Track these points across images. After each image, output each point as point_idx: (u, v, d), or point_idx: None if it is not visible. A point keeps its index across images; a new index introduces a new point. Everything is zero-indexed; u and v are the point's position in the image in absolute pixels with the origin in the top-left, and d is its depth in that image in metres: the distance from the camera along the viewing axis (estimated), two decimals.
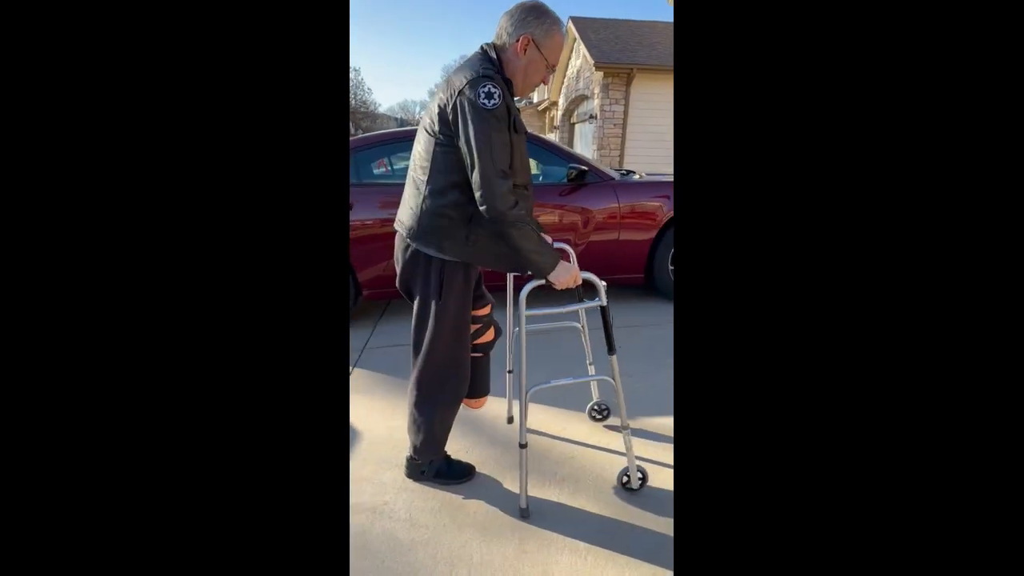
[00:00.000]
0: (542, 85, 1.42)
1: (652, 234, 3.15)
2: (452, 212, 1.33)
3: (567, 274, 1.38)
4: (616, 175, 3.30)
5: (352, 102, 28.00)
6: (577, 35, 9.98)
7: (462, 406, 1.71)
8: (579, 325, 1.92)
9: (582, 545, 1.35)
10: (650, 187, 3.19)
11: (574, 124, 12.24)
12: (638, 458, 1.67)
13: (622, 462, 1.65)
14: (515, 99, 1.38)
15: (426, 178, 1.34)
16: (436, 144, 1.32)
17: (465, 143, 1.25)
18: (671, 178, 3.38)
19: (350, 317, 3.03)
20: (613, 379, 1.49)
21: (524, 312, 1.40)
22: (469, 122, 1.23)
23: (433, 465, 1.59)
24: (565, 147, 3.42)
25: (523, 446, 1.43)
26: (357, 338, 2.87)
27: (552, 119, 14.25)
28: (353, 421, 1.99)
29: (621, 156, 9.31)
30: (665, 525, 1.42)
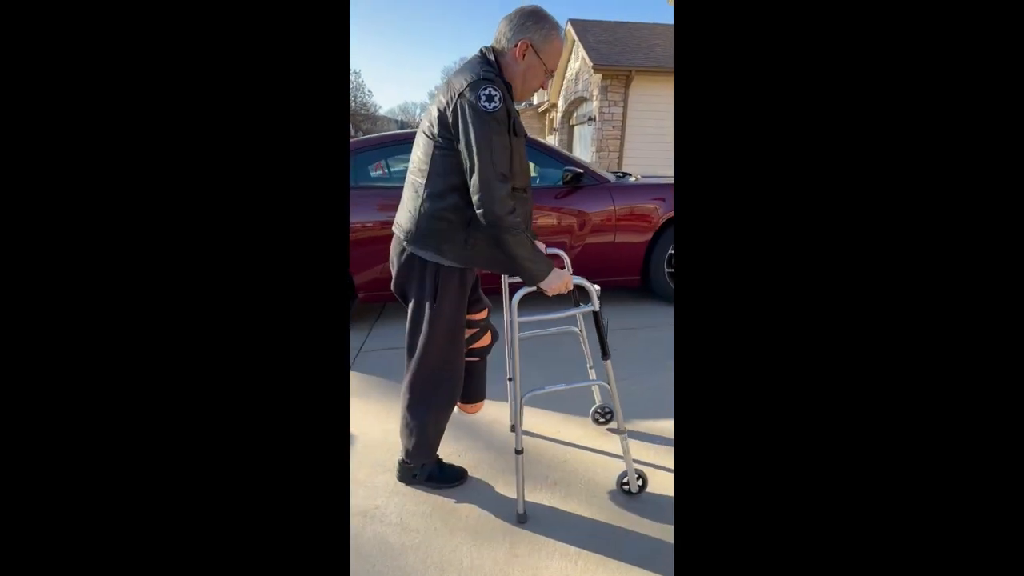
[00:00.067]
0: (541, 88, 1.42)
1: (648, 236, 3.15)
2: (451, 215, 1.33)
3: (558, 280, 1.38)
4: (612, 177, 3.30)
5: (352, 104, 28.03)
6: (576, 37, 9.99)
7: (458, 411, 1.71)
8: (577, 330, 1.92)
9: (572, 549, 1.34)
10: (646, 189, 3.19)
11: (573, 126, 12.25)
12: (637, 462, 1.67)
13: (619, 465, 1.65)
14: (514, 103, 1.38)
15: (424, 181, 1.34)
16: (435, 147, 1.32)
17: (465, 146, 1.25)
18: (667, 180, 3.38)
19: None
20: (608, 383, 1.49)
21: (516, 318, 1.40)
22: (469, 124, 1.23)
23: (425, 469, 1.59)
24: (561, 150, 3.42)
25: (519, 452, 1.43)
26: (352, 341, 2.87)
27: (552, 121, 14.26)
28: None
29: (620, 158, 9.32)
30: (659, 529, 1.41)
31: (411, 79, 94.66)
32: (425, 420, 1.51)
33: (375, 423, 1.99)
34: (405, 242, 1.40)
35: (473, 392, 1.69)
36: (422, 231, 1.35)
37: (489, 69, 1.30)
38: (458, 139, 1.26)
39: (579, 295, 1.70)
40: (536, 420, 1.99)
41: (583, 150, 10.89)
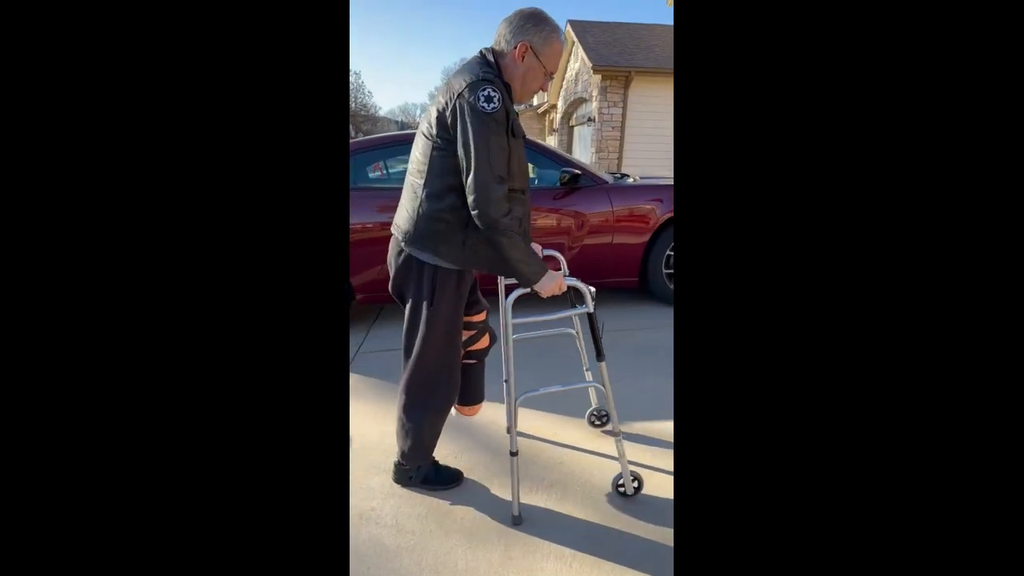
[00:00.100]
0: (541, 91, 1.42)
1: (646, 238, 3.15)
2: (448, 216, 1.33)
3: (551, 282, 1.38)
4: (610, 178, 3.30)
5: (352, 105, 28.04)
6: (575, 38, 10.00)
7: (455, 413, 1.71)
8: (573, 331, 1.92)
9: (567, 551, 1.34)
10: (643, 190, 3.19)
11: (573, 127, 12.26)
12: (633, 463, 1.67)
13: (615, 467, 1.65)
14: (514, 104, 1.38)
15: (423, 182, 1.34)
16: (434, 148, 1.32)
17: (463, 146, 1.25)
18: (664, 181, 3.38)
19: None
20: (603, 385, 1.49)
21: (510, 320, 1.40)
22: (468, 125, 1.23)
23: (421, 471, 1.59)
24: (558, 151, 3.43)
25: (514, 454, 1.43)
26: (350, 342, 2.87)
27: (551, 122, 14.27)
28: None
29: (619, 159, 9.32)
30: (654, 531, 1.41)
31: (411, 79, 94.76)
32: (421, 422, 1.51)
33: (372, 425, 1.99)
34: (403, 243, 1.40)
35: (471, 394, 1.69)
36: (420, 232, 1.35)
37: (488, 70, 1.29)
38: (456, 140, 1.26)
39: (575, 296, 1.70)
40: (533, 422, 1.99)
41: (583, 151, 10.90)
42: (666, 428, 1.93)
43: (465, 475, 1.66)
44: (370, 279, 2.91)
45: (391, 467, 1.63)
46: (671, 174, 5.71)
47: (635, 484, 1.54)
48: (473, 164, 1.24)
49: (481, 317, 1.62)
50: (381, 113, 38.39)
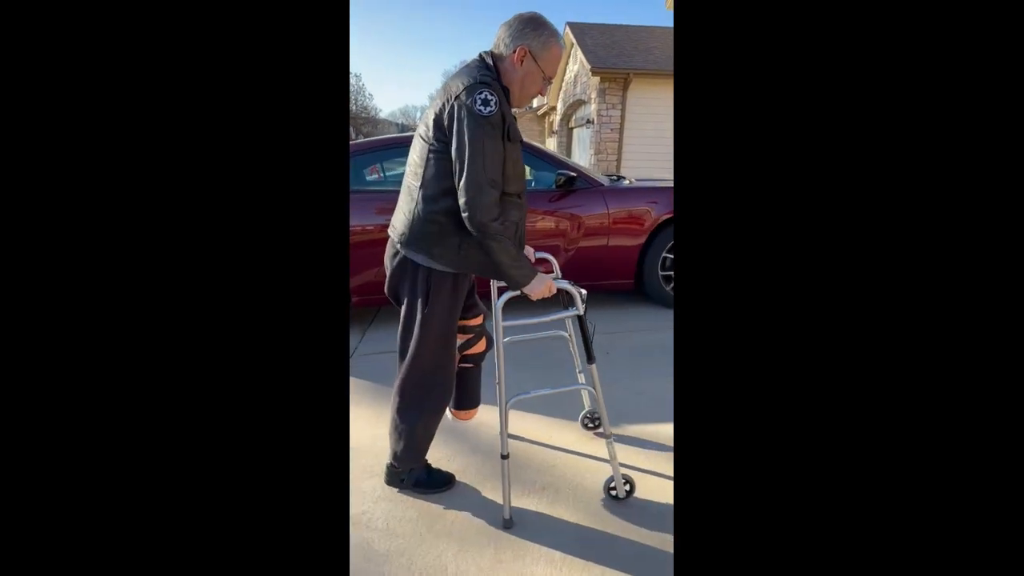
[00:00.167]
0: (539, 95, 1.42)
1: (641, 240, 3.15)
2: (443, 218, 1.33)
3: (541, 285, 1.38)
4: (606, 181, 3.30)
5: (353, 107, 28.09)
6: (574, 40, 10.01)
7: (451, 418, 1.71)
8: (566, 334, 1.91)
9: (558, 555, 1.34)
10: (639, 193, 3.19)
11: (572, 129, 12.27)
12: (627, 467, 1.66)
13: (607, 470, 1.65)
14: (512, 108, 1.38)
15: (419, 184, 1.34)
16: (430, 150, 1.32)
17: (457, 148, 1.25)
18: (660, 183, 3.38)
19: None
20: (594, 388, 1.49)
21: (500, 323, 1.40)
22: (464, 128, 1.23)
23: (413, 474, 1.59)
24: (554, 153, 3.43)
25: (504, 457, 1.42)
26: None
27: (551, 124, 14.29)
28: None
29: (618, 161, 9.32)
30: (645, 535, 1.41)
31: (411, 81, 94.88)
32: (415, 424, 1.50)
33: (365, 427, 1.98)
34: (399, 245, 1.40)
35: (467, 399, 1.68)
36: (415, 234, 1.35)
37: (487, 73, 1.30)
38: (451, 141, 1.26)
39: (566, 299, 1.70)
40: (526, 424, 1.98)
41: (582, 153, 10.90)
42: (660, 431, 1.92)
43: (457, 478, 1.66)
44: (366, 282, 2.91)
45: (383, 470, 1.63)
46: (670, 176, 5.72)
47: (627, 487, 1.54)
48: (466, 167, 1.24)
49: (478, 321, 1.62)
50: (382, 115, 38.47)
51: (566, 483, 1.64)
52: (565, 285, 1.42)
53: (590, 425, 1.95)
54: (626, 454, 1.76)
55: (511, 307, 1.40)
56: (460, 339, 1.58)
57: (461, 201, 1.26)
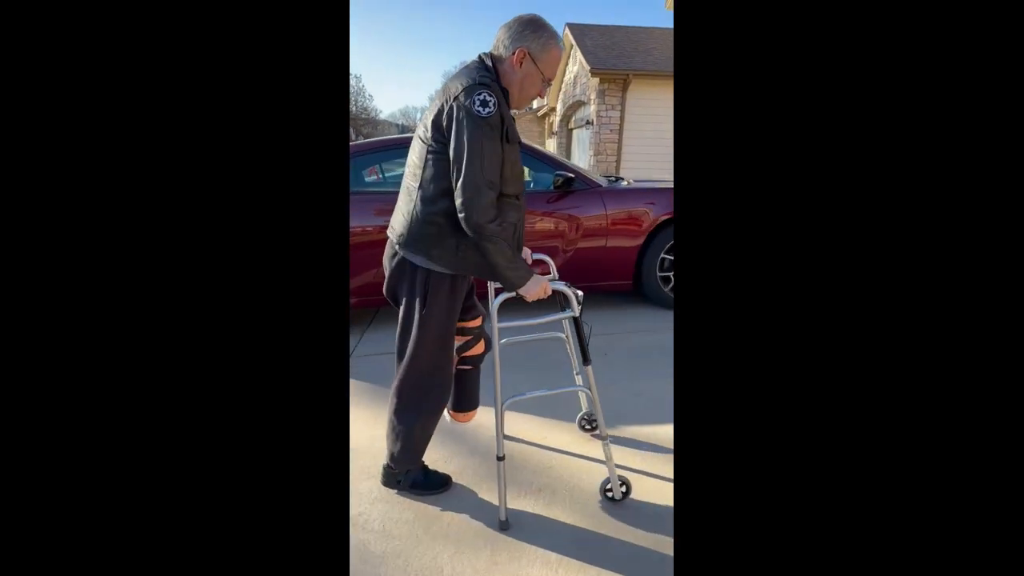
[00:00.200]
0: (539, 97, 1.42)
1: (640, 241, 3.15)
2: (441, 220, 1.33)
3: (536, 287, 1.38)
4: (604, 182, 3.30)
5: (353, 109, 28.11)
6: (573, 41, 10.02)
7: (450, 420, 1.71)
8: (563, 335, 1.91)
9: (554, 556, 1.34)
10: (637, 194, 3.20)
11: (572, 130, 12.27)
12: (624, 468, 1.66)
13: (604, 471, 1.65)
14: (511, 110, 1.38)
15: (418, 185, 1.34)
16: (429, 151, 1.32)
17: (455, 149, 1.25)
18: (657, 184, 3.38)
19: None
20: (590, 389, 1.49)
21: (496, 324, 1.40)
22: (462, 128, 1.23)
23: (410, 475, 1.59)
24: (552, 154, 3.43)
25: (500, 459, 1.42)
26: None
27: (551, 125, 14.30)
28: None
29: (618, 162, 9.32)
30: (641, 536, 1.41)
31: (412, 82, 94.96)
32: (413, 425, 1.50)
33: (363, 428, 1.98)
34: (397, 246, 1.40)
35: (466, 401, 1.68)
36: (413, 235, 1.36)
37: (486, 74, 1.30)
38: (449, 142, 1.27)
39: (563, 300, 1.70)
40: (523, 426, 1.99)
41: (581, 154, 10.91)
42: (658, 432, 1.93)
43: (454, 480, 1.66)
44: (364, 283, 2.92)
45: (380, 471, 1.63)
46: (670, 177, 5.72)
47: (623, 489, 1.54)
48: (464, 168, 1.24)
49: (477, 323, 1.61)
50: (382, 116, 38.49)
51: (563, 484, 1.64)
52: (561, 287, 1.42)
53: (587, 427, 1.95)
54: (623, 455, 1.76)
55: (508, 308, 1.40)
56: (459, 341, 1.58)
57: (458, 202, 1.27)
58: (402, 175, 1.44)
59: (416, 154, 1.37)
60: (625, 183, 3.45)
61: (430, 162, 1.32)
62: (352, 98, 28.54)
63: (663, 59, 9.34)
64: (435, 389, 1.49)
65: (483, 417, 2.01)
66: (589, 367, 1.47)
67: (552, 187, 3.05)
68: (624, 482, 1.54)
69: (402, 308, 1.45)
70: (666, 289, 3.27)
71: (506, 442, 1.86)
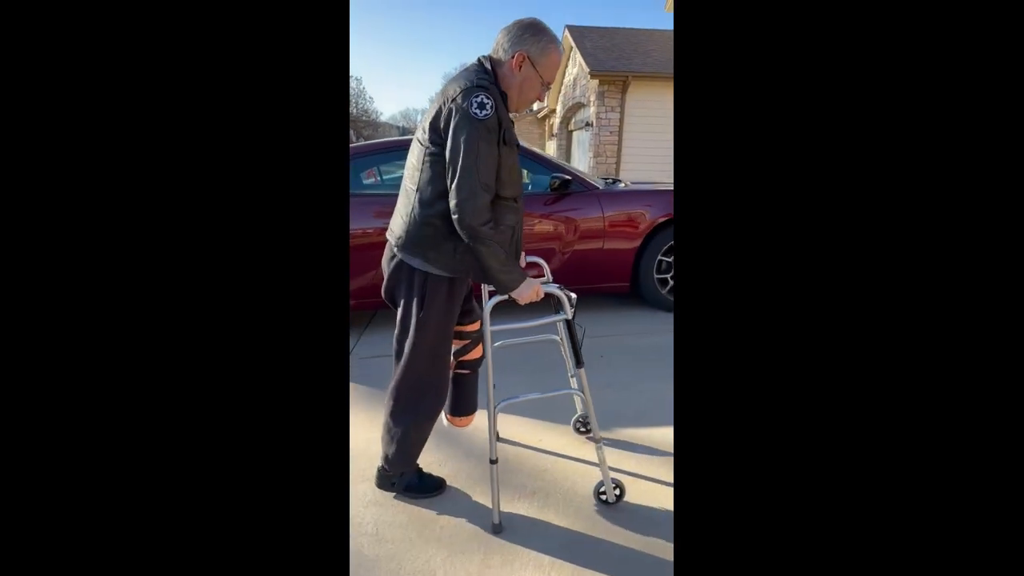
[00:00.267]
0: (538, 100, 1.43)
1: (637, 243, 3.15)
2: (439, 222, 1.33)
3: (529, 290, 1.38)
4: (601, 184, 3.31)
5: (353, 111, 28.17)
6: (573, 43, 10.03)
7: (447, 424, 1.71)
8: (557, 338, 1.92)
9: (547, 559, 1.34)
10: (634, 196, 3.20)
11: (572, 132, 12.28)
12: (618, 471, 1.66)
13: (599, 474, 1.64)
14: (510, 113, 1.38)
15: (416, 187, 1.34)
16: (427, 153, 1.32)
17: (451, 150, 1.25)
18: (654, 186, 3.39)
19: None
20: (583, 392, 1.49)
21: (489, 327, 1.40)
22: (459, 130, 1.24)
23: (404, 478, 1.59)
24: (549, 156, 3.44)
25: (493, 462, 1.42)
26: None
27: (551, 127, 14.31)
28: None
29: (617, 163, 9.33)
30: (635, 539, 1.41)
31: (412, 84, 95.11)
32: (408, 428, 1.50)
33: (359, 431, 1.98)
34: (395, 248, 1.40)
35: (464, 405, 1.68)
36: (411, 238, 1.36)
37: (484, 77, 1.30)
38: (446, 144, 1.27)
39: (557, 303, 1.70)
40: (518, 429, 1.98)
41: (581, 156, 10.91)
42: (652, 434, 1.92)
43: (448, 483, 1.66)
44: (362, 285, 2.92)
45: (375, 474, 1.63)
46: (669, 179, 5.72)
47: (617, 492, 1.53)
48: (459, 169, 1.24)
49: (475, 327, 1.61)
50: (383, 118, 38.52)
51: (556, 487, 1.64)
52: (553, 289, 1.42)
53: (582, 429, 1.95)
54: (617, 458, 1.75)
55: (502, 311, 1.40)
56: (456, 345, 1.58)
57: (452, 203, 1.27)
58: (400, 177, 1.44)
59: (415, 157, 1.37)
60: (622, 185, 3.45)
61: (428, 164, 1.32)
62: (353, 100, 28.59)
63: (662, 61, 9.35)
64: (432, 392, 1.49)
65: (479, 420, 2.01)
66: (582, 370, 1.47)
67: (549, 189, 3.05)
68: (618, 485, 1.54)
69: (400, 310, 1.45)
70: (663, 291, 3.27)
71: (501, 445, 1.86)
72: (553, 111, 13.44)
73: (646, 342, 2.84)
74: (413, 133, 1.48)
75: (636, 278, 3.24)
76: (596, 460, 1.51)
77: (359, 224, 2.87)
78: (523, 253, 1.69)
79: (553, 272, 2.82)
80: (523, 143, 2.69)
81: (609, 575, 1.29)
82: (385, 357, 2.68)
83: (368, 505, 1.56)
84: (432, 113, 1.31)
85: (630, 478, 1.64)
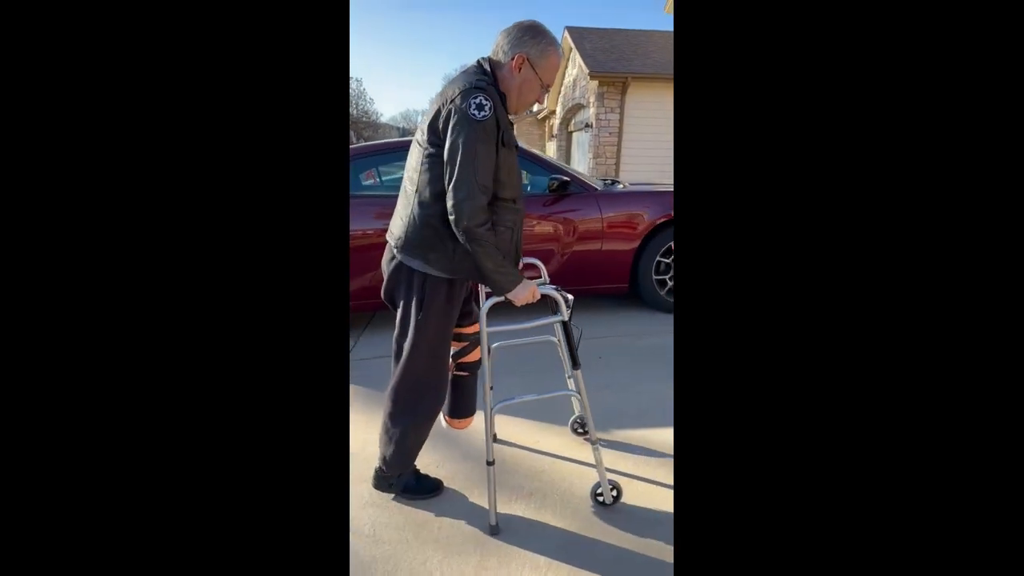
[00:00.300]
0: (537, 103, 1.43)
1: (635, 244, 3.15)
2: (438, 223, 1.33)
3: (525, 291, 1.38)
4: (599, 185, 3.31)
5: (354, 112, 28.19)
6: (572, 44, 10.04)
7: (446, 426, 1.71)
8: (555, 339, 1.91)
9: (543, 560, 1.34)
10: (632, 197, 3.20)
11: (571, 133, 12.29)
12: (615, 472, 1.66)
13: (595, 476, 1.64)
14: (510, 115, 1.38)
15: (415, 188, 1.35)
16: (426, 155, 1.33)
17: (449, 151, 1.26)
18: (653, 187, 3.39)
19: None
20: (580, 393, 1.49)
21: (485, 329, 1.41)
22: (457, 130, 1.24)
23: (401, 479, 1.59)
24: (547, 158, 3.45)
25: (490, 463, 1.42)
26: None
27: (551, 128, 14.32)
28: None
29: (617, 164, 9.33)
30: (631, 540, 1.41)
31: (412, 84, 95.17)
32: (406, 429, 1.50)
33: (357, 433, 1.98)
34: (395, 249, 1.41)
35: (462, 407, 1.68)
36: (411, 239, 1.36)
37: (483, 78, 1.31)
38: (444, 145, 1.27)
39: (554, 304, 1.70)
40: (516, 430, 1.98)
41: (581, 157, 10.92)
42: (650, 435, 1.92)
43: (446, 484, 1.66)
44: (361, 286, 2.92)
45: (372, 476, 1.63)
46: (669, 180, 5.72)
47: (614, 493, 1.54)
48: (457, 170, 1.24)
49: (474, 329, 1.61)
50: (383, 120, 38.53)
51: (553, 488, 1.64)
52: (550, 291, 1.42)
53: (580, 430, 1.95)
54: (614, 459, 1.76)
55: (499, 312, 1.40)
56: (455, 347, 1.58)
57: (449, 204, 1.27)
58: (399, 178, 1.44)
59: (414, 158, 1.38)
60: (621, 186, 3.45)
61: (427, 166, 1.33)
62: (353, 101, 28.61)
63: (662, 62, 9.35)
64: (430, 393, 1.49)
65: (477, 421, 2.01)
66: (579, 371, 1.47)
67: (548, 190, 3.06)
68: (615, 486, 1.54)
69: (399, 312, 1.46)
70: (661, 292, 3.27)
71: (498, 446, 1.86)
72: (553, 112, 13.44)
73: (644, 343, 2.84)
74: (413, 134, 1.49)
75: (634, 279, 3.24)
76: (593, 461, 1.51)
77: (359, 225, 2.88)
78: (522, 256, 1.69)
79: (552, 273, 2.82)
80: (522, 144, 2.69)
81: None
82: (384, 358, 2.68)
83: (365, 506, 1.56)
84: (431, 114, 1.31)
85: (627, 479, 1.65)
